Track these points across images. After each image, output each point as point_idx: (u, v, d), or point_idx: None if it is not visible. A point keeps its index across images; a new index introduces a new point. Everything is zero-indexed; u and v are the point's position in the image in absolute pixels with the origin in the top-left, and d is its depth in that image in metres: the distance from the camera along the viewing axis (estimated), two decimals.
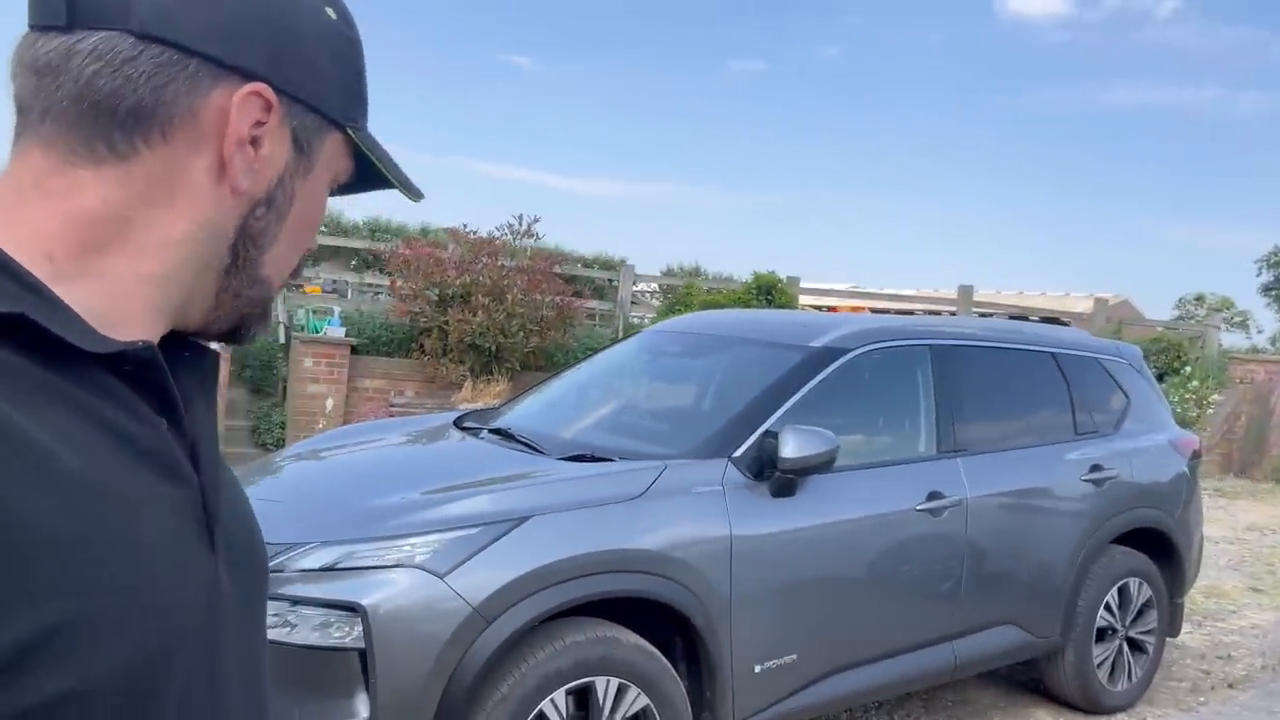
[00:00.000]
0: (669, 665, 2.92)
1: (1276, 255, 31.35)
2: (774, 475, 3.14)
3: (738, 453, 3.19)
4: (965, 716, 4.14)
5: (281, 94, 0.67)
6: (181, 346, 0.73)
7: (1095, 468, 4.08)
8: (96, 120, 0.62)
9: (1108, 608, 4.13)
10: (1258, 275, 32.44)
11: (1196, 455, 4.69)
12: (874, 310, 15.78)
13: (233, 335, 0.73)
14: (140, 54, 0.62)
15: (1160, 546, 4.41)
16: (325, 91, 0.70)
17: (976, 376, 3.93)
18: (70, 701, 0.53)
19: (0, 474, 0.51)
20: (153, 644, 0.57)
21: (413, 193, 0.78)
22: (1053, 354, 4.25)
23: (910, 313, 13.76)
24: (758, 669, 3.07)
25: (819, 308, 13.86)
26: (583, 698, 2.77)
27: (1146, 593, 4.31)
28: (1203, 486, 10.84)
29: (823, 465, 3.16)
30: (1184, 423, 10.07)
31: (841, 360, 3.55)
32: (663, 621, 2.97)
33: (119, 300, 0.65)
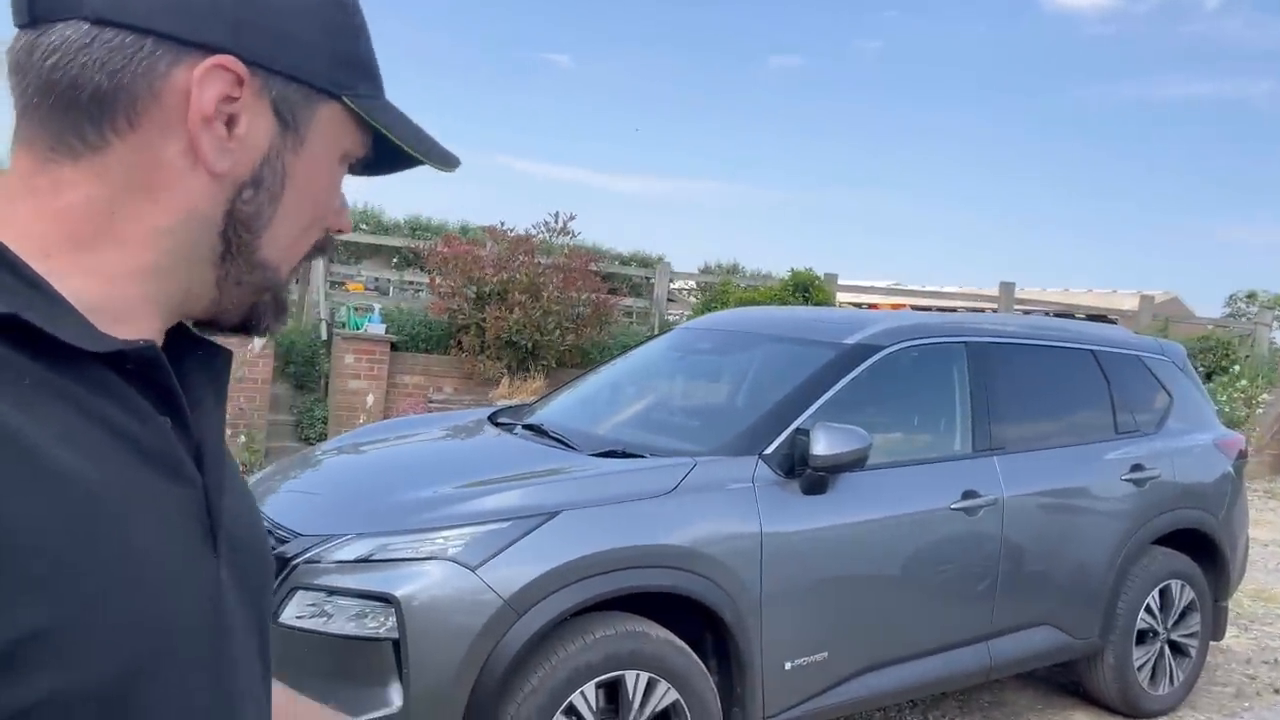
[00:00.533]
0: (699, 661, 2.93)
1: None
2: (805, 473, 3.13)
3: (769, 450, 3.18)
4: (1001, 718, 4.09)
5: (253, 66, 0.63)
6: (196, 344, 0.71)
7: (1136, 467, 4.01)
8: (65, 114, 0.61)
9: (1149, 610, 4.06)
10: None
11: (1242, 455, 4.59)
12: (915, 308, 15.63)
13: (246, 327, 0.70)
14: (93, 40, 0.60)
15: (1204, 548, 4.32)
16: (308, 60, 0.66)
17: (1014, 374, 3.88)
18: (50, 707, 0.51)
19: None
20: (140, 649, 0.56)
21: (442, 162, 0.73)
22: (1093, 351, 4.18)
23: (952, 310, 13.61)
24: (788, 666, 3.07)
25: (859, 305, 13.77)
26: (613, 691, 2.79)
27: (1189, 595, 4.22)
28: (1252, 488, 10.63)
29: (854, 463, 3.15)
30: (1233, 422, 9.86)
31: (875, 357, 3.53)
32: (693, 617, 2.98)
33: (116, 295, 0.64)
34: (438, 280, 9.57)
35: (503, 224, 9.89)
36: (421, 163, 0.74)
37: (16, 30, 0.62)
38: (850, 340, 3.59)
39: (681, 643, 2.90)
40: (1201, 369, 10.77)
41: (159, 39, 0.61)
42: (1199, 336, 11.50)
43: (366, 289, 12.37)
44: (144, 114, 0.61)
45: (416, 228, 16.50)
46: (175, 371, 0.66)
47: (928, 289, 15.94)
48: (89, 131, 0.61)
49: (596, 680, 2.75)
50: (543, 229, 9.98)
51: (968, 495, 3.49)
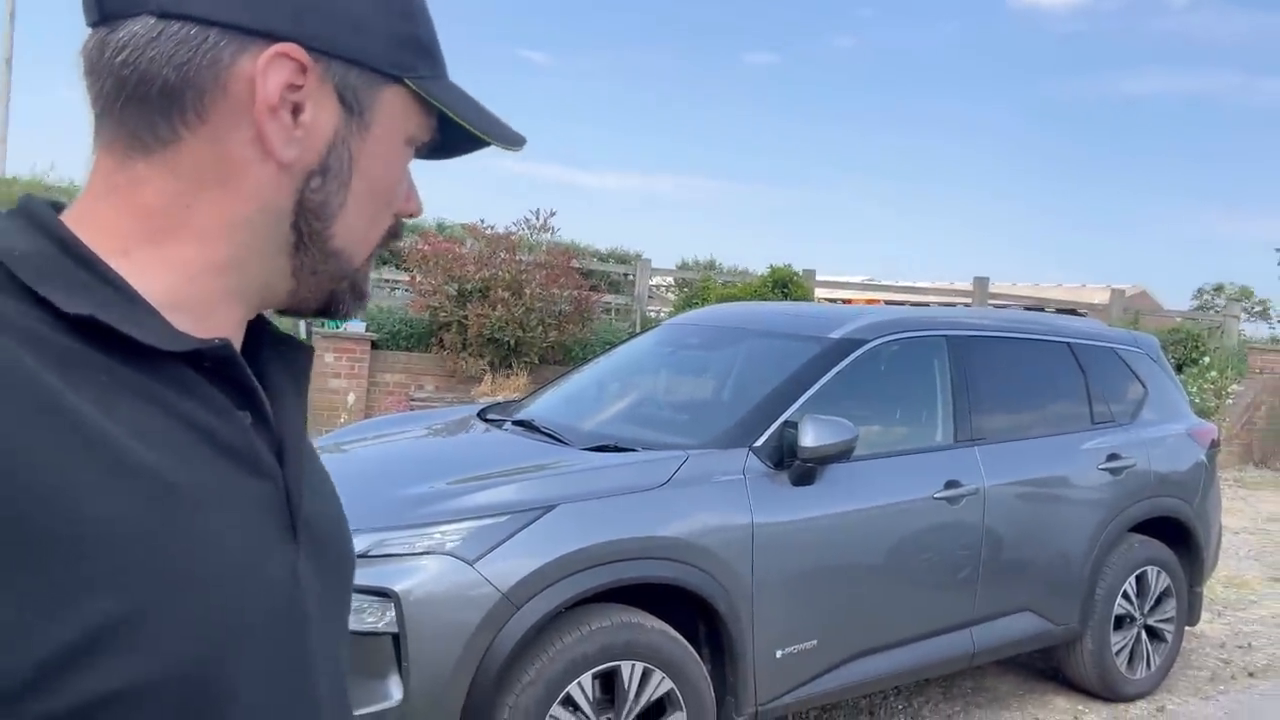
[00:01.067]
0: (692, 650, 2.99)
1: None
2: (794, 464, 3.19)
3: (758, 442, 3.24)
4: (983, 704, 4.18)
5: (315, 52, 0.63)
6: (278, 340, 0.73)
7: (1112, 456, 4.11)
8: (138, 110, 0.61)
9: (1126, 596, 4.16)
10: (1279, 264, 32.06)
11: (1215, 445, 4.71)
12: (889, 303, 15.80)
13: (326, 311, 0.71)
14: (160, 34, 0.60)
15: (1179, 535, 4.43)
16: (369, 43, 0.65)
17: (993, 366, 3.96)
18: (123, 700, 0.52)
19: (68, 466, 0.52)
20: (217, 637, 0.56)
21: (508, 142, 0.72)
22: (1069, 344, 4.28)
23: (926, 305, 13.78)
24: (779, 654, 3.13)
25: (834, 300, 13.91)
26: (608, 681, 2.84)
27: (1165, 581, 4.33)
28: (1223, 477, 10.81)
29: (841, 454, 3.21)
30: (1203, 413, 10.04)
31: (859, 351, 3.60)
32: (686, 607, 3.03)
33: (195, 290, 0.64)
34: (418, 278, 9.56)
35: (483, 221, 9.90)
36: (488, 143, 0.72)
37: (90, 30, 0.63)
38: (835, 334, 3.66)
39: (675, 633, 2.95)
40: (1172, 360, 10.95)
41: (223, 29, 0.61)
42: (1169, 329, 11.73)
43: None
44: (211, 106, 0.62)
45: None
46: (256, 366, 0.67)
47: (902, 284, 16.09)
48: (160, 126, 0.61)
49: (593, 671, 2.79)
50: (523, 226, 10.00)
51: (950, 485, 3.56)
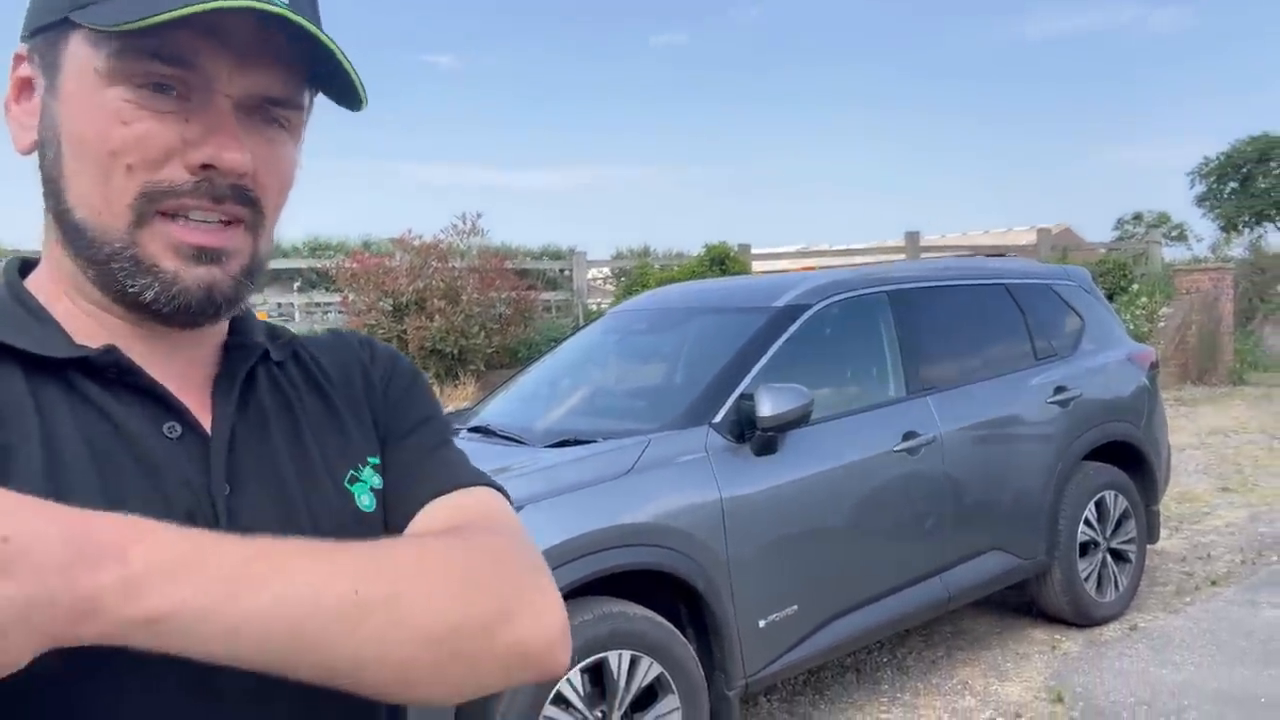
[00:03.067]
0: (676, 631, 2.98)
1: (1206, 166, 32.16)
2: (755, 435, 3.20)
3: (717, 418, 3.24)
4: (964, 646, 4.25)
5: (29, 40, 0.67)
6: (239, 346, 0.75)
7: (1059, 389, 4.20)
8: None
9: (1087, 522, 4.27)
10: (1191, 187, 33.21)
11: (1154, 366, 4.84)
12: (826, 268, 15.94)
13: (133, 302, 0.66)
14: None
15: (1131, 458, 4.55)
16: (50, 9, 0.65)
17: (935, 316, 4.02)
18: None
19: None
20: (82, 662, 0.55)
21: (125, 21, 0.61)
22: (1005, 285, 4.36)
23: (864, 265, 13.95)
24: (762, 624, 3.15)
25: (772, 272, 14.00)
26: (597, 674, 2.82)
27: (1123, 504, 4.45)
28: (1163, 396, 11.15)
29: (799, 420, 3.23)
30: (1138, 338, 10.34)
31: (805, 316, 3.62)
32: (666, 590, 3.03)
33: (66, 303, 0.69)
34: (350, 297, 9.42)
35: (410, 232, 9.77)
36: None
37: None
38: (779, 303, 3.68)
39: (659, 617, 2.95)
40: (1103, 290, 11.29)
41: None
42: (1097, 261, 12.06)
43: (271, 317, 12.09)
44: None
45: (316, 247, 16.13)
46: (224, 371, 0.72)
47: (837, 248, 16.28)
48: None
49: (580, 665, 2.77)
50: (451, 232, 9.90)
51: (908, 436, 3.61)
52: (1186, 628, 4.33)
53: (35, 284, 0.70)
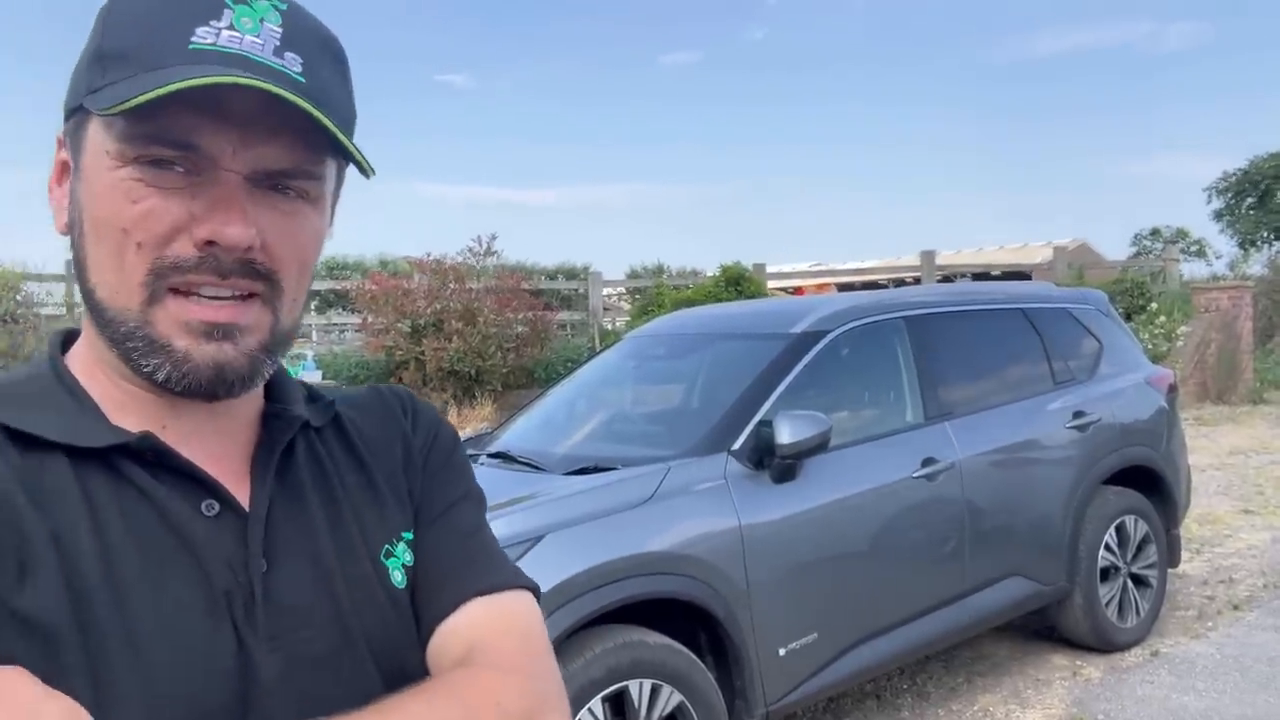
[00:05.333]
0: (697, 660, 2.99)
1: (1225, 181, 31.98)
2: (774, 462, 3.22)
3: (736, 445, 3.26)
4: (985, 671, 4.23)
5: (65, 125, 0.69)
6: (275, 416, 0.75)
7: (1078, 414, 4.20)
8: None
9: (1108, 547, 4.25)
10: (1208, 203, 33.02)
11: (1173, 389, 4.82)
12: (840, 286, 16.00)
13: (151, 378, 0.67)
14: None
15: (1150, 482, 4.53)
16: (77, 91, 0.67)
17: (953, 341, 4.03)
18: None
19: None
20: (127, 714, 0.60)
21: (119, 102, 0.60)
22: (1022, 309, 4.37)
23: (877, 284, 13.97)
24: (782, 652, 3.15)
25: (786, 290, 14.04)
26: (618, 702, 2.83)
27: (1143, 528, 4.43)
28: (1183, 417, 11.06)
29: (818, 446, 3.24)
30: (1156, 357, 10.29)
31: (823, 342, 3.64)
32: (686, 618, 3.04)
33: (105, 385, 0.70)
34: (369, 319, 9.49)
35: (429, 255, 9.85)
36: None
37: None
38: (797, 329, 3.70)
39: (679, 645, 2.96)
40: (1120, 309, 11.23)
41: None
42: (1114, 279, 12.00)
43: None
44: None
45: (334, 267, 16.27)
46: (263, 443, 0.73)
47: (850, 266, 16.28)
48: None
49: (602, 694, 2.78)
50: (468, 254, 9.97)
51: (927, 463, 3.61)
52: (1209, 654, 4.30)
53: (75, 360, 0.72)
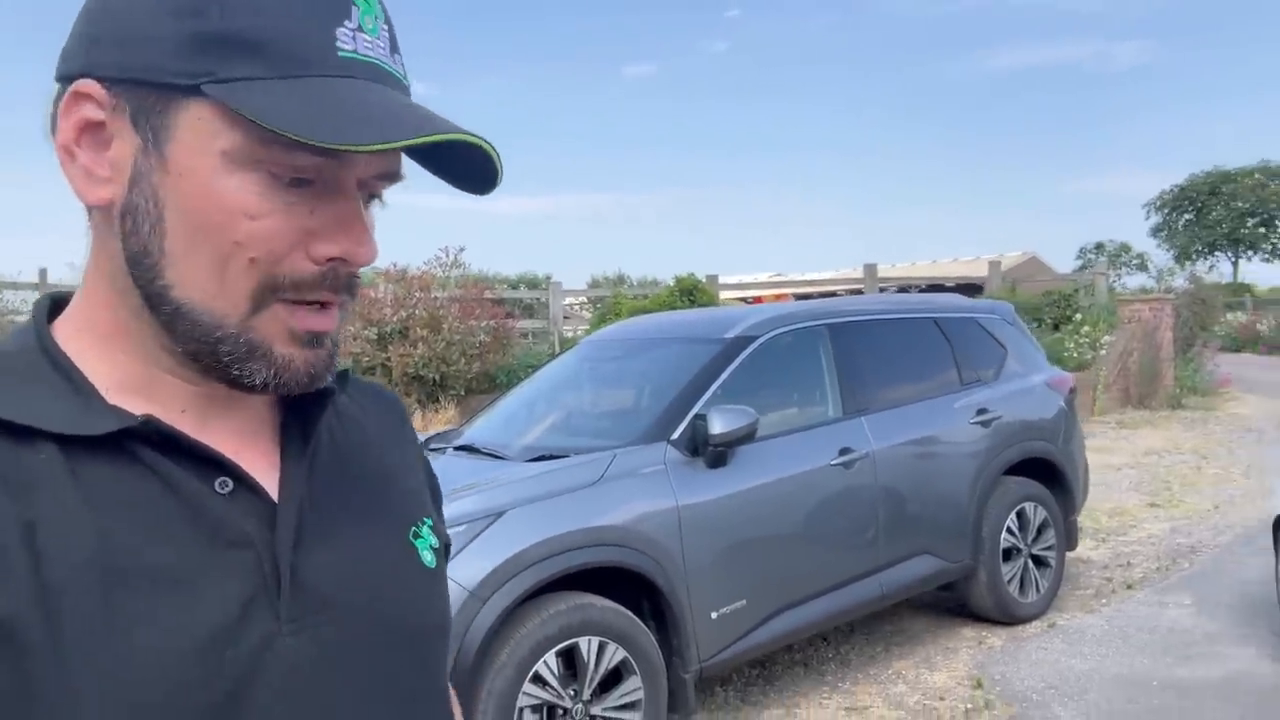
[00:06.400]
0: (639, 621, 3.44)
1: (1163, 198, 33.30)
2: (707, 450, 3.68)
3: (675, 435, 3.72)
4: (902, 642, 4.73)
5: (107, 81, 0.59)
6: (302, 398, 0.69)
7: (981, 411, 4.72)
8: None
9: (1010, 530, 4.77)
10: (1146, 218, 34.34)
11: (1072, 391, 5.38)
12: (798, 295, 16.60)
13: (239, 384, 0.64)
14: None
15: (1049, 473, 5.06)
16: (155, 55, 0.58)
17: (870, 346, 4.53)
18: None
19: None
20: (136, 707, 0.56)
21: (349, 139, 0.56)
22: (934, 318, 4.89)
23: (834, 294, 14.58)
24: (714, 615, 3.61)
25: (745, 300, 14.60)
26: (570, 657, 3.27)
27: (1042, 514, 4.96)
28: (1105, 420, 11.76)
29: (746, 437, 3.71)
30: (1080, 364, 10.96)
31: (753, 346, 4.12)
32: (630, 585, 3.48)
33: (124, 367, 0.64)
34: None
35: (395, 265, 10.22)
36: (344, 149, 0.58)
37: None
38: (730, 334, 4.17)
39: (623, 608, 3.40)
40: (1050, 320, 11.93)
41: (60, 87, 0.62)
42: (1044, 292, 12.72)
43: None
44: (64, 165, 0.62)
45: None
46: (293, 419, 0.70)
47: (798, 278, 16.91)
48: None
49: (555, 649, 3.22)
50: (435, 265, 10.35)
51: (843, 452, 4.10)
52: (1099, 625, 4.84)
53: (65, 333, 0.65)
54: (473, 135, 0.60)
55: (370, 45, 0.61)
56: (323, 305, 0.64)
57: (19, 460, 0.58)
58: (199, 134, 0.58)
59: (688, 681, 3.53)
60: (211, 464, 0.63)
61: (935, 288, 16.13)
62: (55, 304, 0.68)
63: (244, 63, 0.57)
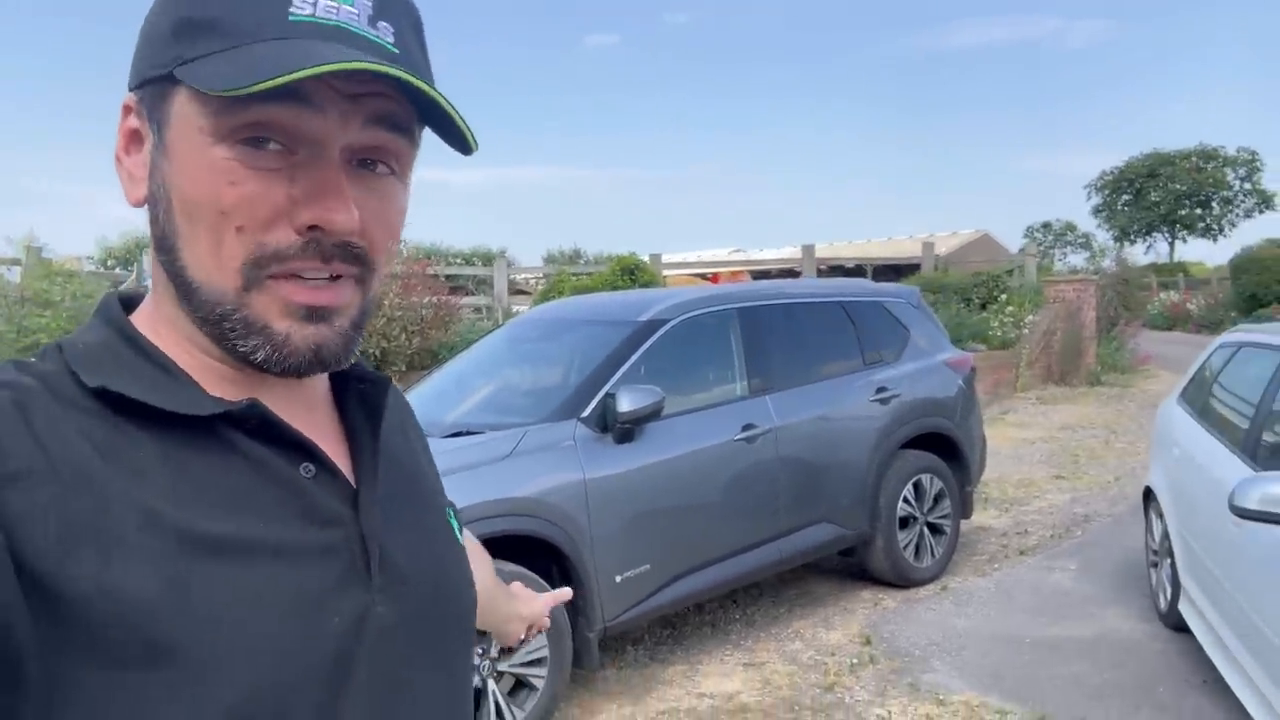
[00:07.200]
0: (546, 584, 3.70)
1: (1103, 179, 34.16)
2: (616, 427, 3.95)
3: (585, 413, 3.98)
4: (805, 604, 5.07)
5: (138, 89, 0.66)
6: (360, 380, 0.77)
7: (880, 389, 5.05)
8: None
9: (906, 500, 5.11)
10: (1088, 199, 35.20)
11: (973, 370, 5.73)
12: (755, 274, 16.91)
13: (249, 361, 0.66)
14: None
15: (947, 447, 5.42)
16: (156, 53, 0.64)
17: (777, 329, 4.82)
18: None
19: (85, 531, 0.57)
20: (251, 689, 0.59)
21: (241, 86, 0.58)
22: (840, 302, 5.20)
23: (794, 272, 14.93)
24: (618, 579, 3.90)
25: (704, 277, 14.89)
26: None
27: (938, 485, 5.31)
28: (1026, 396, 12.22)
29: (652, 414, 3.99)
30: (1005, 343, 11.40)
31: (663, 329, 4.39)
32: (539, 552, 3.75)
33: (195, 356, 0.68)
34: None
35: None
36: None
37: None
38: (643, 317, 4.44)
39: (530, 572, 3.66)
40: (977, 300, 12.39)
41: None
42: (972, 274, 13.19)
43: None
44: None
45: None
46: (341, 412, 0.75)
47: (739, 257, 17.23)
48: None
49: None
50: None
51: (747, 428, 4.40)
52: (988, 587, 5.22)
53: (145, 327, 0.69)
54: (385, 67, 0.60)
55: (332, 10, 0.62)
56: (333, 279, 0.66)
57: (130, 440, 0.62)
58: (183, 116, 0.63)
59: (592, 640, 3.82)
60: (296, 449, 0.67)
61: (889, 269, 16.57)
62: (126, 300, 0.73)
63: (205, 41, 0.61)
